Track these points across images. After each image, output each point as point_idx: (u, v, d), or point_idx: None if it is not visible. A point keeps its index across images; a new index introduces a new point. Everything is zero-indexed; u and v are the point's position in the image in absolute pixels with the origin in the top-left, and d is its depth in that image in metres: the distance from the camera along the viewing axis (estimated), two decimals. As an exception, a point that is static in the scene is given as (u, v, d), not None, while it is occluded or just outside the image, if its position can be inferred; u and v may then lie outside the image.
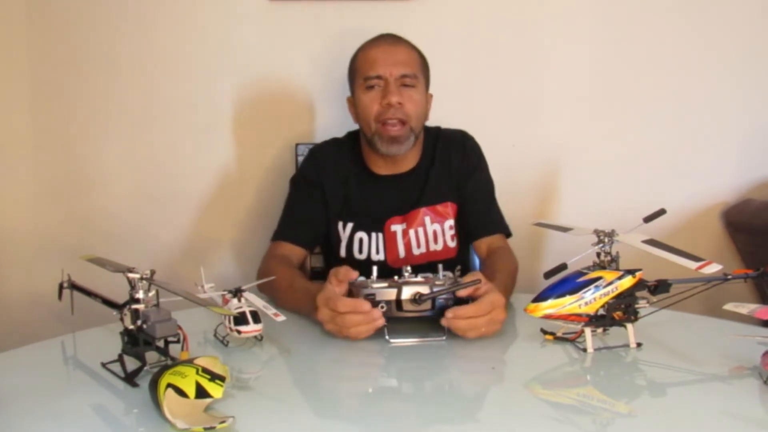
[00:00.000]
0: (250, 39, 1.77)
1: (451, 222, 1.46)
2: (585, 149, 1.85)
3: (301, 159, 1.72)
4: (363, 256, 1.45)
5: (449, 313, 1.05)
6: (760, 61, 1.83)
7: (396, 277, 1.09)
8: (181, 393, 0.76)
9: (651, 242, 1.01)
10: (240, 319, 1.01)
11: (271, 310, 1.04)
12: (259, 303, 1.05)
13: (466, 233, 1.51)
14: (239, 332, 1.01)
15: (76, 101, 1.78)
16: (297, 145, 1.73)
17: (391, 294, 1.06)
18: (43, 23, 1.75)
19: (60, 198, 1.81)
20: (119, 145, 1.80)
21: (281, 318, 1.03)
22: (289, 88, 1.79)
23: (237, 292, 1.05)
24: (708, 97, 1.84)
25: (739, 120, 1.85)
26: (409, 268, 1.10)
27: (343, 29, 1.77)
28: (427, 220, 1.45)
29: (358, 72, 1.42)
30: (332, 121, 1.79)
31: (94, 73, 1.77)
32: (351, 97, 1.48)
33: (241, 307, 1.02)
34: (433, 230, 1.45)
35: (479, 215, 1.48)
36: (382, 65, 1.37)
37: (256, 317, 1.02)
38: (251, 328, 1.01)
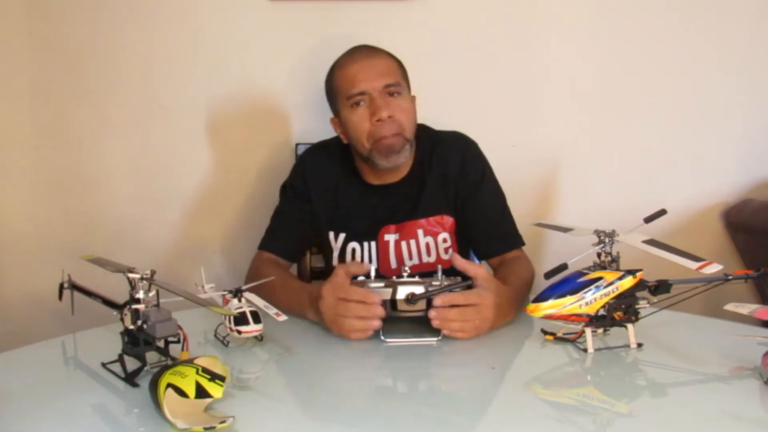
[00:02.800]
0: (250, 39, 1.77)
1: (445, 235, 1.43)
2: (585, 149, 1.85)
3: (301, 159, 1.72)
4: None
5: (437, 301, 1.05)
6: (760, 61, 1.83)
7: (393, 278, 1.09)
8: (181, 393, 0.76)
9: (651, 242, 1.01)
10: (240, 319, 1.01)
11: (272, 310, 1.04)
12: (260, 303, 1.05)
13: (476, 251, 1.49)
14: (239, 332, 1.01)
15: (76, 101, 1.77)
16: (297, 144, 1.73)
17: (386, 294, 1.06)
18: (43, 24, 1.75)
19: (60, 198, 1.81)
20: (120, 145, 1.80)
21: (283, 317, 1.04)
22: (289, 87, 1.79)
23: (237, 293, 1.05)
24: (708, 97, 1.84)
25: (739, 120, 1.85)
26: (407, 268, 1.09)
27: (343, 29, 1.77)
28: (420, 233, 1.42)
29: (340, 91, 1.37)
30: (332, 121, 1.79)
31: (93, 74, 1.77)
32: (335, 117, 1.43)
33: (241, 308, 1.02)
34: (426, 243, 1.42)
35: (489, 234, 1.43)
36: (364, 80, 1.33)
37: (257, 317, 1.02)
38: (251, 328, 1.01)
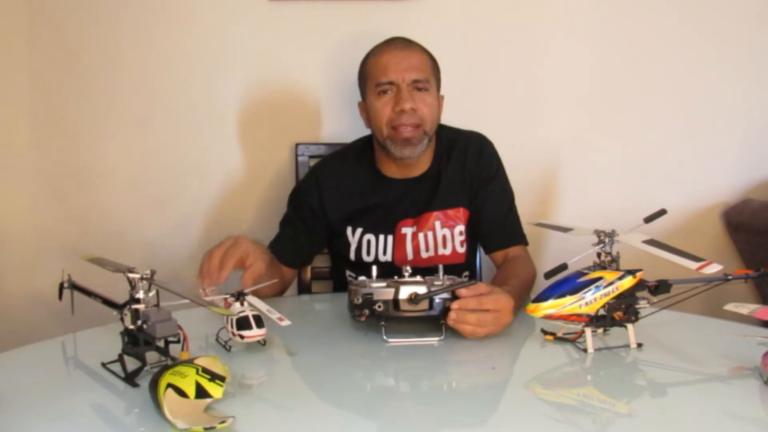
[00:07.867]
0: (250, 39, 1.77)
1: (461, 228, 1.45)
2: (585, 149, 1.85)
3: (301, 159, 1.72)
4: (371, 258, 1.45)
5: (455, 305, 1.04)
6: (760, 60, 1.83)
7: (395, 277, 1.09)
8: (181, 393, 0.76)
9: (651, 242, 1.01)
10: (243, 324, 0.99)
11: (275, 314, 1.02)
12: (263, 307, 1.03)
13: (482, 244, 1.51)
14: (242, 337, 0.99)
15: (76, 101, 1.77)
16: (297, 145, 1.73)
17: (388, 294, 1.06)
18: (44, 23, 1.75)
19: (60, 198, 1.81)
20: (120, 145, 1.80)
21: (286, 322, 1.01)
22: (288, 87, 1.79)
23: (240, 296, 1.03)
24: (708, 97, 1.84)
25: (739, 120, 1.85)
26: (409, 268, 1.09)
27: (343, 29, 1.77)
28: (438, 224, 1.45)
29: (370, 77, 1.40)
30: (333, 121, 1.79)
31: (94, 73, 1.77)
32: (362, 102, 1.46)
33: (244, 311, 1.00)
34: (443, 235, 1.44)
35: (496, 227, 1.47)
36: (394, 71, 1.36)
37: (260, 321, 1.00)
38: (254, 333, 0.99)
